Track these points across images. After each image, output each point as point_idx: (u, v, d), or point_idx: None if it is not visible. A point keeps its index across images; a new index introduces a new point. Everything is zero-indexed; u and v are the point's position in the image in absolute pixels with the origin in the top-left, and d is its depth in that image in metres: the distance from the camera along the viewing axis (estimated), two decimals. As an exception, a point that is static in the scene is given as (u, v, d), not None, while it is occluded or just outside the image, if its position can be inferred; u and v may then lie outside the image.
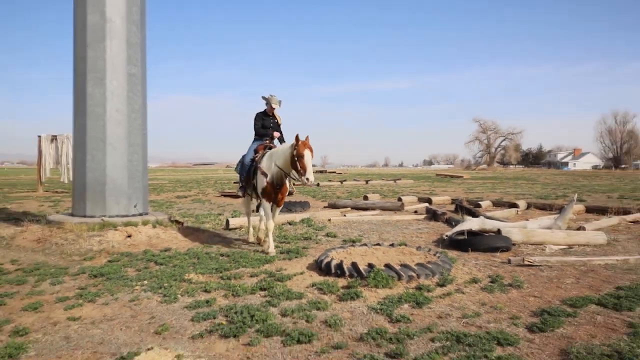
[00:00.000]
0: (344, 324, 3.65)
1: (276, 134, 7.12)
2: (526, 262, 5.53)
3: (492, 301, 4.22)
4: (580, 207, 10.97)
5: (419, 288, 4.52)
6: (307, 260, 5.81)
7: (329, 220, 9.64)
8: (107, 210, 7.76)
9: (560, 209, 9.50)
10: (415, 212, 11.21)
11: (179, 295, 4.45)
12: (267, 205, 6.44)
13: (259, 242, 7.16)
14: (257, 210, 7.40)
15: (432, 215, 10.14)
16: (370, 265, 4.87)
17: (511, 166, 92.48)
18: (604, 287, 4.63)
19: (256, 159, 6.74)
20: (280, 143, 7.03)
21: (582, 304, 4.07)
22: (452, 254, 6.21)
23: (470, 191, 19.26)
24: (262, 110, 7.18)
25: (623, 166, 76.94)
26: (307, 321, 3.72)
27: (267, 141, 7.02)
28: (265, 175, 6.32)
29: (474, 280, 4.86)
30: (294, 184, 7.25)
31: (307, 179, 5.87)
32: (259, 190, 6.53)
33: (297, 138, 5.97)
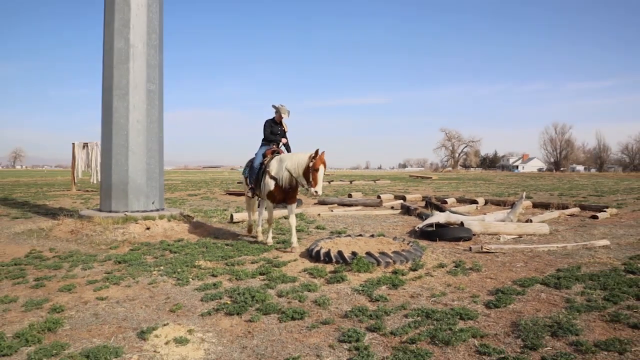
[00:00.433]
0: (331, 303, 3.64)
1: (284, 140, 6.62)
2: (484, 250, 5.57)
3: (456, 282, 4.24)
4: (528, 203, 11.07)
5: (394, 272, 4.52)
6: (300, 249, 5.78)
7: (319, 215, 9.62)
8: (129, 207, 7.70)
9: (512, 205, 9.60)
10: (392, 207, 11.22)
11: (190, 279, 4.41)
12: (270, 205, 6.17)
13: (249, 230, 7.03)
14: (259, 207, 7.17)
15: (406, 210, 10.16)
16: (354, 253, 4.86)
17: (472, 169, 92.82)
18: (547, 269, 4.68)
19: (265, 162, 6.28)
20: (287, 149, 6.63)
21: (529, 283, 4.11)
22: (423, 243, 6.22)
23: (438, 190, 19.35)
24: (271, 117, 6.59)
25: (562, 169, 77.87)
26: (299, 301, 3.71)
27: (274, 146, 6.53)
28: (274, 179, 5.90)
29: (441, 265, 4.88)
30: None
31: (316, 192, 5.48)
32: (265, 192, 6.11)
33: (317, 152, 5.50)
